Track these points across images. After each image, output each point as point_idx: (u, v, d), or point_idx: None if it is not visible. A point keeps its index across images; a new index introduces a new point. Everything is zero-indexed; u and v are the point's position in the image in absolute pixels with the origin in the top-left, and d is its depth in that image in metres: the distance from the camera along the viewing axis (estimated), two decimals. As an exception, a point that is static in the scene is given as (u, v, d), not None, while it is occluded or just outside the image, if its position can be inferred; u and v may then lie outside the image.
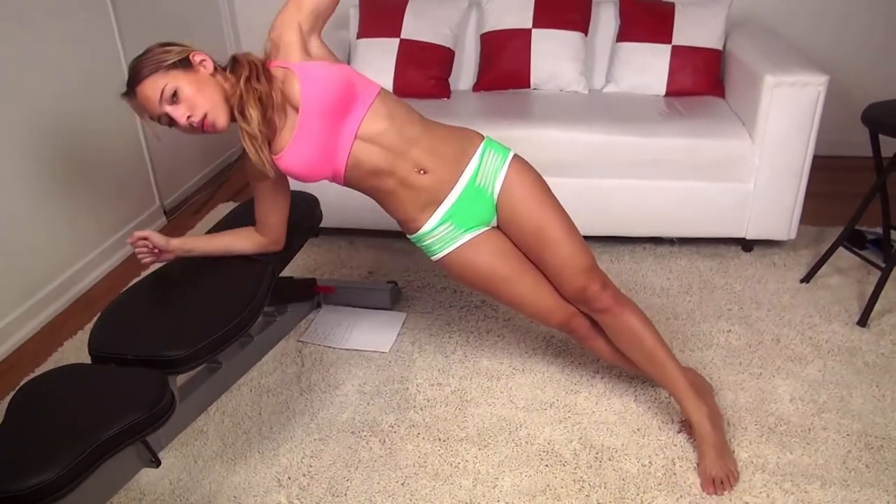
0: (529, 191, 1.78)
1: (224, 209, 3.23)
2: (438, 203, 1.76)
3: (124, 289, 2.62)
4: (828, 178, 3.22)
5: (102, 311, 1.81)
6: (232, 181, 3.59)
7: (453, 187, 1.75)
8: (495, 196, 1.77)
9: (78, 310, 2.60)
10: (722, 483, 1.71)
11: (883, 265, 2.33)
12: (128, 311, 1.82)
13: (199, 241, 1.98)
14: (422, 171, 1.73)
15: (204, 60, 1.64)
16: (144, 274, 2.38)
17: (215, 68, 1.66)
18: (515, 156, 1.81)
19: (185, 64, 1.61)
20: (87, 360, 1.70)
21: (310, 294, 2.41)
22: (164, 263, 1.97)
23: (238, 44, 3.81)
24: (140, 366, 1.62)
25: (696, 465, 1.78)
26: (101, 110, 2.74)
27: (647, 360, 1.82)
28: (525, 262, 1.83)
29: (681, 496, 1.70)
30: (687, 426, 1.86)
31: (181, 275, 1.94)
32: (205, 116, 1.60)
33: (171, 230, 3.13)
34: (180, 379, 1.90)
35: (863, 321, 2.28)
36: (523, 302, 1.85)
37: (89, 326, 2.47)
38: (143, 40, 2.90)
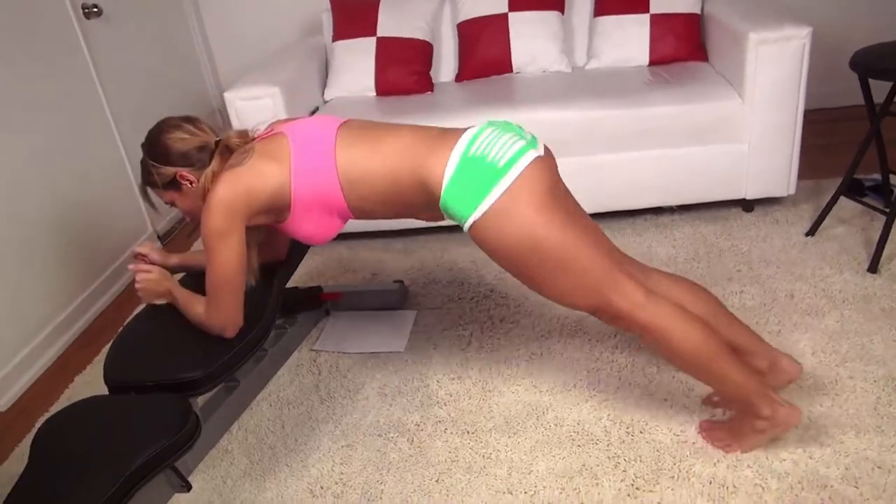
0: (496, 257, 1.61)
1: (218, 228, 3.19)
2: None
3: (130, 317, 2.61)
4: (818, 130, 3.22)
5: (113, 341, 1.78)
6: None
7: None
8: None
9: (83, 344, 2.56)
10: (717, 442, 1.72)
11: (886, 210, 2.33)
12: (139, 338, 1.79)
13: (200, 257, 1.96)
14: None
15: (190, 181, 1.70)
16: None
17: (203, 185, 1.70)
18: (475, 223, 1.55)
19: (175, 185, 1.71)
20: (103, 391, 1.67)
21: (317, 302, 2.38)
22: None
23: (218, 83, 3.77)
24: (159, 391, 1.59)
25: (721, 420, 1.77)
26: (86, 145, 2.71)
27: (693, 372, 1.64)
28: None
29: (718, 461, 1.69)
30: (713, 402, 1.81)
31: (187, 296, 1.90)
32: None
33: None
34: (200, 401, 1.87)
35: (873, 267, 2.28)
36: None
37: (98, 359, 2.43)
38: (123, 82, 2.87)
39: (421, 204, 1.68)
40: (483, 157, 1.54)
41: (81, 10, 2.77)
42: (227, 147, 1.71)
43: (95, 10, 2.82)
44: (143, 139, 1.73)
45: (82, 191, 2.69)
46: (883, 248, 2.28)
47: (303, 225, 1.74)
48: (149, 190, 1.77)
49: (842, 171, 2.78)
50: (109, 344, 2.43)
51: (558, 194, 1.59)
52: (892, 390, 1.82)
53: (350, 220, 1.81)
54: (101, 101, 2.83)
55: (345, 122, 1.75)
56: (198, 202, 1.71)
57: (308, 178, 1.67)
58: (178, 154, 1.68)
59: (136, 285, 1.85)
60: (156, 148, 1.70)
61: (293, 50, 3.12)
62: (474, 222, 1.55)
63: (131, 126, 2.99)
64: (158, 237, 3.18)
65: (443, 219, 1.73)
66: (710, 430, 1.76)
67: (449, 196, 1.57)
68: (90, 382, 2.32)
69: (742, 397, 1.64)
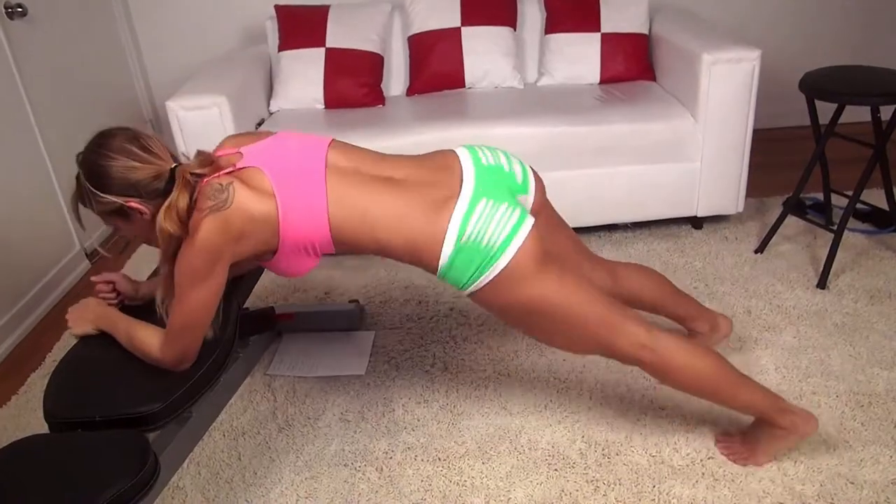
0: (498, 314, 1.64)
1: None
2: None
3: (60, 344, 2.40)
4: (758, 150, 3.31)
5: (52, 374, 1.60)
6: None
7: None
8: None
9: (2, 375, 2.34)
10: (734, 455, 1.72)
11: (831, 228, 2.40)
12: (81, 370, 1.62)
13: None
14: None
15: (141, 212, 1.49)
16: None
17: (153, 214, 1.49)
18: (474, 293, 1.56)
19: (122, 214, 1.50)
20: (32, 428, 1.51)
21: (271, 324, 2.25)
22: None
23: (150, 91, 3.56)
24: (111, 427, 1.45)
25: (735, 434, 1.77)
26: (8, 156, 2.49)
27: (702, 396, 1.67)
28: None
29: (697, 481, 1.68)
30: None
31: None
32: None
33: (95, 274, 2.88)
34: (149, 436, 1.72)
35: (822, 283, 2.35)
36: None
37: (24, 390, 2.22)
38: (49, 88, 2.65)
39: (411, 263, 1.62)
40: (478, 242, 1.49)
41: (4, 10, 2.56)
42: (187, 177, 1.48)
43: (20, 10, 2.61)
44: (71, 150, 1.50)
45: (2, 205, 2.47)
46: (831, 265, 2.35)
47: (284, 264, 1.61)
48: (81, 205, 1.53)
49: (781, 189, 2.87)
50: (36, 374, 2.28)
51: (550, 250, 1.57)
52: (854, 405, 1.86)
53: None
54: (25, 108, 2.61)
55: (330, 162, 1.56)
56: (148, 231, 1.52)
57: (297, 230, 1.52)
58: (125, 185, 1.45)
59: (67, 315, 1.69)
60: (97, 174, 1.45)
61: (235, 59, 2.98)
62: (473, 292, 1.57)
63: (58, 135, 2.78)
64: (87, 255, 2.96)
65: None
66: (727, 444, 1.76)
67: (446, 274, 1.56)
68: (16, 416, 2.11)
69: (756, 413, 1.68)
